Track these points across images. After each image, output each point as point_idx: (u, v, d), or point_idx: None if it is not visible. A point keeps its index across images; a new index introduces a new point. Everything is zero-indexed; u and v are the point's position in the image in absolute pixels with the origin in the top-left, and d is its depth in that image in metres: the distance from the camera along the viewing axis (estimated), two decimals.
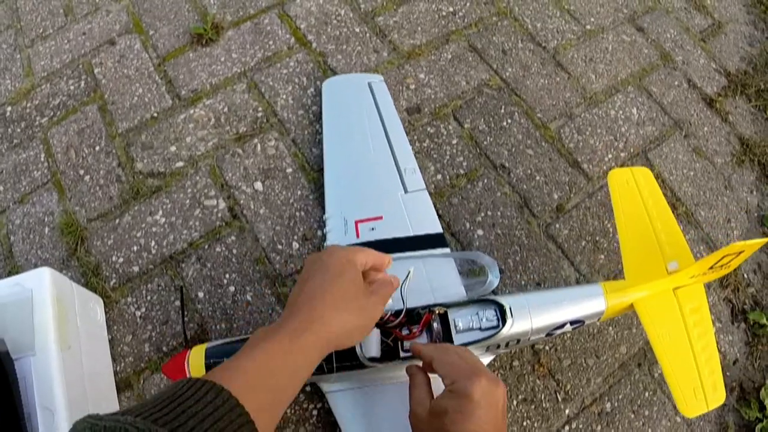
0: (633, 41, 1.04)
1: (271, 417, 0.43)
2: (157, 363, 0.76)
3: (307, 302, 0.49)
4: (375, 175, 0.82)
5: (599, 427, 0.74)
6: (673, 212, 0.86)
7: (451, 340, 0.61)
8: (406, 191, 0.80)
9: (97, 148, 0.92)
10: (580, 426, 0.74)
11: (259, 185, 0.88)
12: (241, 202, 0.86)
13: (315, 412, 0.72)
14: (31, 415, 0.59)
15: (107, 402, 0.72)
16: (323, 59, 0.99)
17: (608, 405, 0.75)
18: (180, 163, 0.90)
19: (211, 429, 0.37)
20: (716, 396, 0.61)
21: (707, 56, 1.04)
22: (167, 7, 1.06)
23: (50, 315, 0.63)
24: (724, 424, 0.76)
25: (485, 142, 0.92)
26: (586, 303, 0.64)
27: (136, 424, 0.35)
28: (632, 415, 0.75)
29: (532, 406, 0.74)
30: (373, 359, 0.59)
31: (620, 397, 0.76)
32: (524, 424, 0.73)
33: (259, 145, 0.91)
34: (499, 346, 0.63)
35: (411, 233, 0.75)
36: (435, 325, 0.59)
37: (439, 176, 0.88)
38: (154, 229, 0.85)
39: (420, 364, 0.58)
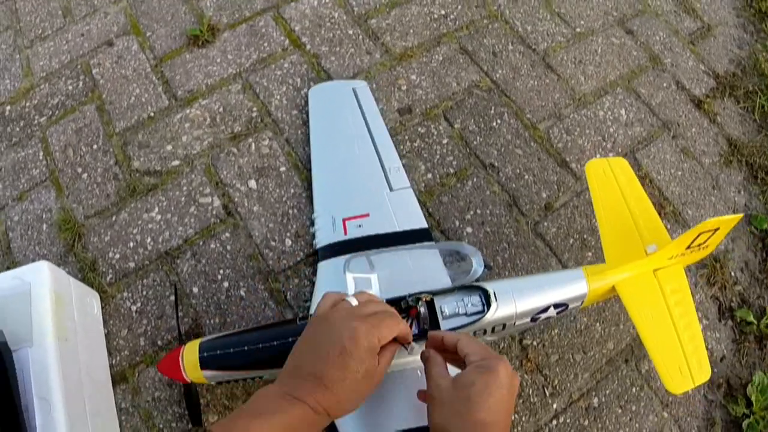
0: (622, 44, 1.06)
1: None
2: (152, 357, 0.77)
3: (323, 390, 0.49)
4: (361, 175, 0.84)
5: (587, 422, 0.75)
6: (660, 211, 0.89)
7: (438, 327, 0.62)
8: (391, 189, 0.82)
9: (95, 146, 0.93)
10: (568, 420, 0.75)
11: (253, 183, 0.89)
12: (236, 199, 0.88)
13: None
14: (28, 405, 0.60)
15: (103, 395, 0.73)
16: (317, 61, 1.01)
17: (595, 400, 0.76)
18: (176, 162, 0.91)
19: None
20: (702, 372, 0.62)
21: (696, 58, 1.05)
22: (164, 9, 1.08)
23: (48, 307, 0.64)
24: (711, 420, 0.77)
25: (475, 142, 0.93)
26: (569, 286, 0.66)
27: None
28: (619, 410, 0.76)
29: (520, 401, 0.75)
30: None
31: (607, 392, 0.77)
32: (512, 418, 0.74)
33: (253, 145, 0.93)
34: (485, 332, 0.65)
35: (397, 229, 0.78)
36: (422, 310, 0.60)
37: (430, 175, 0.90)
38: (150, 226, 0.86)
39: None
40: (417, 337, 0.60)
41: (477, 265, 0.67)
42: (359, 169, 0.85)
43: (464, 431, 0.50)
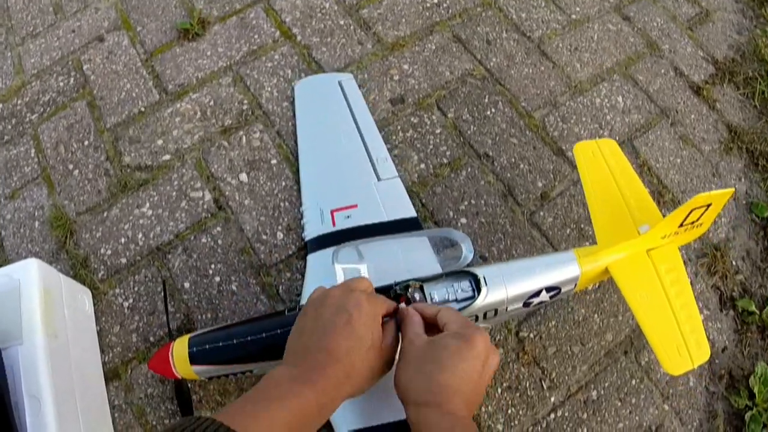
0: (619, 30, 1.04)
1: None
2: (145, 353, 0.77)
3: (334, 363, 0.48)
4: (348, 166, 0.84)
5: (585, 415, 0.74)
6: (659, 200, 0.87)
7: None
8: (379, 179, 0.82)
9: (86, 142, 0.93)
10: (566, 414, 0.73)
11: (244, 177, 0.88)
12: (227, 193, 0.87)
13: None
14: (18, 403, 0.60)
15: (95, 392, 0.73)
16: (308, 52, 1.00)
17: (594, 393, 0.75)
18: (167, 156, 0.91)
19: None
20: (700, 352, 0.61)
21: (694, 44, 1.04)
22: (155, 3, 1.07)
23: (37, 305, 0.64)
24: (713, 412, 0.75)
25: (469, 132, 0.92)
26: (560, 269, 0.64)
27: None
28: (619, 403, 0.74)
29: (517, 394, 0.74)
30: None
31: (606, 384, 0.75)
32: (509, 412, 0.73)
33: (244, 138, 0.92)
34: (477, 318, 0.64)
35: (386, 219, 0.77)
36: (417, 296, 0.59)
37: (423, 165, 0.89)
38: (141, 222, 0.85)
39: None
40: None
41: (467, 251, 0.66)
42: (346, 161, 0.84)
43: (425, 392, 0.49)
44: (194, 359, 0.64)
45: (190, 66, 0.99)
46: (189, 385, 0.72)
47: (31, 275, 0.65)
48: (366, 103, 0.92)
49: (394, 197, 0.80)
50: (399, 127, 0.92)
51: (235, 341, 0.63)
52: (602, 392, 0.75)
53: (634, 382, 0.75)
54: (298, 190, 0.86)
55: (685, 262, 0.80)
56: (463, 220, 0.84)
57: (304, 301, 0.73)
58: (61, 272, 0.72)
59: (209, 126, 0.93)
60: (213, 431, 0.38)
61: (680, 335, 0.62)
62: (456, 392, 0.48)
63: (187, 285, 0.81)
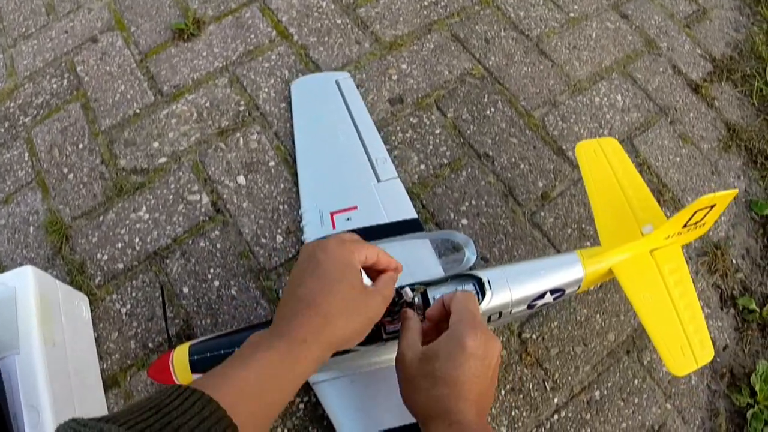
0: (617, 28, 1.04)
1: (260, 429, 0.42)
2: (144, 360, 0.76)
3: (305, 309, 0.46)
4: (347, 167, 0.83)
5: (588, 416, 0.73)
6: (659, 198, 0.87)
7: None
8: (378, 180, 0.81)
9: (81, 146, 0.92)
10: (570, 414, 0.73)
11: (242, 179, 0.87)
12: (224, 196, 0.86)
13: (302, 406, 0.72)
14: (17, 413, 0.59)
15: (94, 400, 0.72)
16: (305, 52, 0.99)
17: (597, 393, 0.75)
18: (163, 159, 0.89)
19: None
20: (704, 353, 0.61)
21: (692, 42, 1.03)
22: (149, 3, 1.06)
23: (34, 313, 0.63)
24: (715, 411, 0.75)
25: (468, 132, 0.91)
26: (564, 271, 0.64)
27: None
28: (622, 403, 0.74)
29: (521, 396, 0.74)
30: None
31: (609, 384, 0.75)
32: (512, 413, 0.73)
33: (241, 139, 0.91)
34: None
35: (386, 220, 0.76)
36: (416, 300, 0.59)
37: (423, 166, 0.88)
38: (138, 226, 0.84)
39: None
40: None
41: (470, 254, 0.66)
42: (345, 162, 0.83)
43: (426, 407, 0.48)
44: (195, 367, 0.63)
45: (185, 67, 0.98)
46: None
47: (26, 283, 0.64)
48: (364, 103, 0.91)
49: (394, 198, 0.79)
50: (398, 128, 0.91)
51: (236, 349, 0.62)
52: (605, 392, 0.75)
53: (636, 381, 0.75)
54: (297, 192, 0.85)
55: (685, 261, 0.80)
56: (464, 221, 0.84)
57: None
58: (57, 279, 0.71)
59: (206, 128, 0.92)
60: (176, 396, 0.38)
61: (684, 335, 0.62)
62: (458, 399, 0.47)
63: (185, 290, 0.80)
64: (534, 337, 0.77)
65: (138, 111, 0.94)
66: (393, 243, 0.73)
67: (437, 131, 0.91)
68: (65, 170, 0.90)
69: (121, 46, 1.01)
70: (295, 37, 1.01)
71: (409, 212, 0.78)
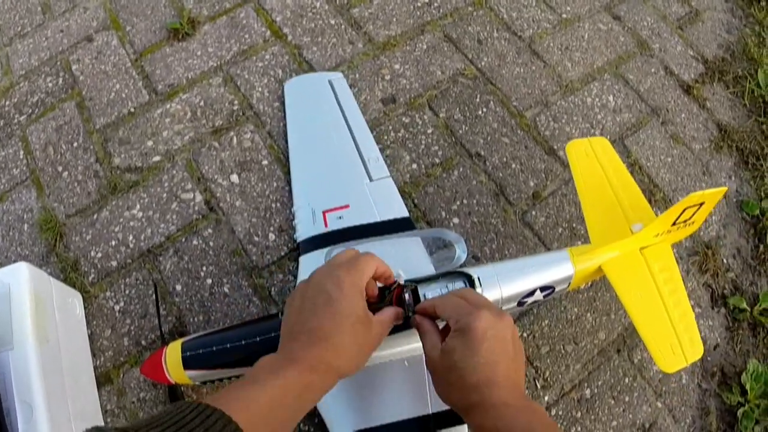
0: (609, 29, 1.04)
1: None
2: (137, 357, 0.76)
3: (318, 341, 0.48)
4: (340, 166, 0.83)
5: (579, 414, 0.74)
6: (650, 199, 0.88)
7: None
8: (371, 179, 0.81)
9: (75, 144, 0.92)
10: (560, 412, 0.74)
11: (235, 178, 0.88)
12: (218, 194, 0.86)
13: None
14: (10, 409, 0.59)
15: (87, 396, 0.72)
16: (298, 52, 0.99)
17: (588, 391, 0.75)
18: (157, 158, 0.90)
19: None
20: (694, 350, 0.62)
21: (684, 44, 1.04)
22: (144, 2, 1.06)
23: (28, 309, 0.63)
24: (705, 409, 0.76)
25: (460, 131, 0.92)
26: (554, 268, 0.64)
27: None
28: (612, 401, 0.74)
29: None
30: None
31: (600, 383, 0.75)
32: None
33: (235, 138, 0.91)
34: None
35: (378, 219, 0.77)
36: (406, 296, 0.59)
37: (415, 166, 0.89)
38: (131, 224, 0.85)
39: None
40: (402, 328, 0.59)
41: (460, 251, 0.66)
42: (338, 161, 0.84)
43: (460, 399, 0.49)
44: (188, 364, 0.63)
45: (180, 66, 0.98)
46: (182, 389, 0.72)
47: (21, 279, 0.65)
48: (357, 103, 0.92)
49: (386, 197, 0.80)
50: (390, 127, 0.92)
51: (228, 345, 0.63)
52: (596, 391, 0.75)
53: (627, 380, 0.76)
54: (290, 191, 0.85)
55: (676, 260, 0.80)
56: (456, 220, 0.84)
57: None
58: (51, 276, 0.71)
59: (199, 127, 0.92)
60: (197, 413, 0.39)
61: (674, 333, 0.62)
62: (487, 384, 0.47)
63: (178, 287, 0.80)
64: (525, 335, 0.77)
65: (132, 110, 0.94)
66: (384, 241, 0.73)
67: (429, 131, 0.92)
68: (60, 168, 0.90)
69: (117, 46, 1.01)
70: (289, 37, 1.01)
71: (400, 211, 0.78)
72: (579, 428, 0.73)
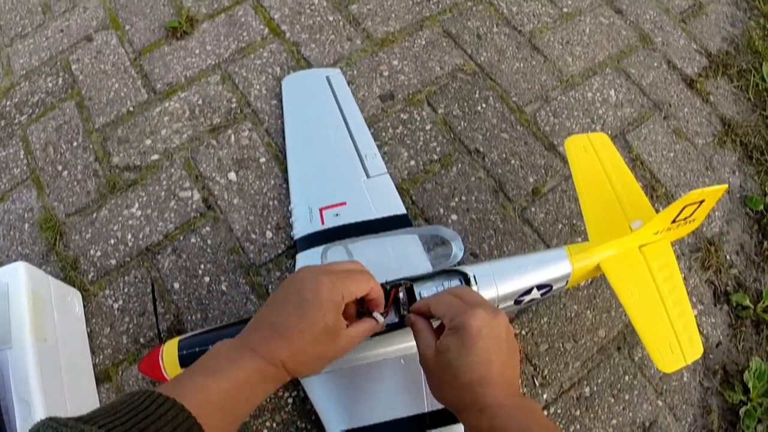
0: (611, 23, 1.03)
1: None
2: (135, 355, 0.76)
3: (279, 338, 0.48)
4: (337, 163, 0.83)
5: (578, 412, 0.73)
6: (652, 194, 0.86)
7: None
8: (368, 176, 0.81)
9: (75, 143, 0.92)
10: (559, 411, 0.73)
11: (232, 176, 0.88)
12: (216, 192, 0.86)
13: (290, 400, 0.72)
14: (8, 407, 0.60)
15: (86, 394, 0.72)
16: (297, 49, 0.99)
17: (587, 389, 0.74)
18: (155, 156, 0.90)
19: None
20: (693, 350, 0.61)
21: (688, 37, 1.03)
22: (143, 1, 1.06)
23: (26, 308, 0.64)
24: (707, 408, 0.75)
25: (459, 127, 0.91)
26: (552, 266, 0.64)
27: None
28: (612, 400, 0.74)
29: None
30: None
31: (599, 381, 0.75)
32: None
33: (233, 136, 0.91)
34: None
35: (375, 216, 0.76)
36: (401, 295, 0.59)
37: (413, 162, 0.88)
38: (130, 222, 0.85)
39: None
40: (398, 326, 0.59)
41: (457, 249, 0.65)
42: (335, 158, 0.83)
43: (454, 399, 0.49)
44: (184, 362, 0.63)
45: (178, 65, 0.98)
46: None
47: (18, 278, 0.65)
48: (355, 99, 0.91)
49: (383, 194, 0.79)
50: (389, 124, 0.91)
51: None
52: (595, 389, 0.74)
53: (627, 378, 0.75)
54: (287, 189, 0.85)
55: (678, 257, 0.79)
56: (454, 217, 0.84)
57: None
58: (51, 274, 0.72)
59: (198, 125, 0.92)
60: (151, 402, 0.39)
61: (673, 332, 0.61)
62: (481, 382, 0.47)
63: (176, 285, 0.80)
64: (524, 332, 0.77)
65: (131, 109, 0.95)
66: (381, 238, 0.73)
67: (428, 127, 0.91)
68: (60, 168, 0.90)
69: (116, 45, 1.02)
70: (287, 35, 1.01)
71: (398, 208, 0.78)
72: (578, 426, 0.72)
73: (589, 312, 0.78)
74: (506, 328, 0.50)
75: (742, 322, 0.80)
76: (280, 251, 0.81)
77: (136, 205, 0.86)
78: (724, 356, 0.78)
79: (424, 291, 0.61)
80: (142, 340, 0.77)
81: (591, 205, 0.69)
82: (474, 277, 0.61)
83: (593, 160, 0.71)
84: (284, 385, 0.54)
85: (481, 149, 0.89)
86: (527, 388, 0.74)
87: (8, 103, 0.98)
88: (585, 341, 0.76)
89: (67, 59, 1.01)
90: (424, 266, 0.71)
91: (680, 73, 0.99)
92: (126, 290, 0.80)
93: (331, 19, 1.03)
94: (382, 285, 0.62)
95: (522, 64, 0.97)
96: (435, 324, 0.55)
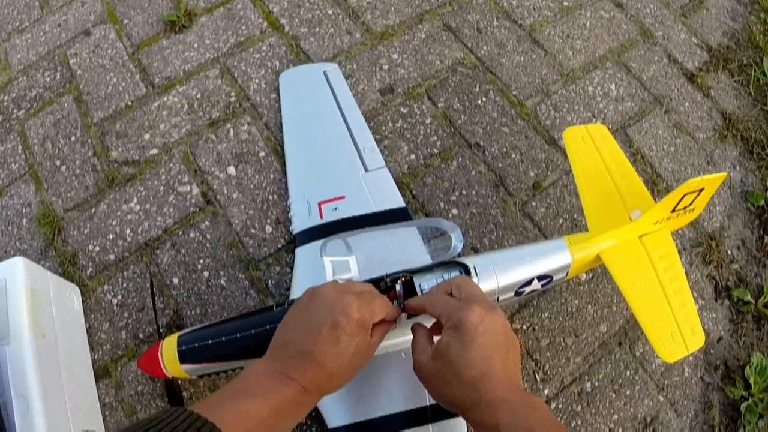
0: (612, 17, 1.03)
1: None
2: (134, 350, 0.76)
3: (314, 364, 0.48)
4: (335, 157, 0.83)
5: (579, 407, 0.73)
6: (653, 188, 0.86)
7: None
8: (366, 170, 0.81)
9: (73, 138, 0.92)
10: (560, 406, 0.73)
11: (232, 170, 0.87)
12: (215, 187, 0.86)
13: None
14: (6, 403, 0.60)
15: (85, 390, 0.72)
16: (296, 43, 0.99)
17: (588, 384, 0.74)
18: (154, 151, 0.89)
19: None
20: (695, 339, 0.61)
21: (688, 31, 1.02)
22: None
23: (24, 304, 0.63)
24: (708, 403, 0.75)
25: (459, 121, 0.91)
26: (551, 257, 0.64)
27: None
28: (613, 395, 0.74)
29: None
30: None
31: (601, 376, 0.74)
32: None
33: (231, 130, 0.91)
34: None
35: (374, 210, 0.76)
36: (397, 288, 0.59)
37: (413, 156, 0.88)
38: (129, 217, 0.84)
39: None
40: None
41: (456, 241, 0.65)
42: (333, 152, 0.83)
43: (457, 400, 0.49)
44: (184, 358, 0.63)
45: (176, 59, 0.98)
46: (179, 382, 0.71)
47: (17, 274, 0.65)
48: (355, 93, 0.91)
49: (381, 188, 0.79)
50: (388, 118, 0.91)
51: (224, 339, 0.62)
52: (596, 384, 0.74)
53: (628, 373, 0.75)
54: (287, 183, 0.85)
55: (679, 252, 0.79)
56: (455, 211, 0.83)
57: (293, 295, 0.72)
58: (49, 270, 0.71)
59: (196, 119, 0.92)
60: (190, 423, 0.38)
61: (674, 321, 0.61)
62: (482, 378, 0.47)
63: (175, 280, 0.80)
64: (524, 327, 0.76)
65: (130, 103, 0.94)
66: (380, 231, 0.72)
67: (428, 121, 0.91)
68: (58, 163, 0.90)
69: (114, 39, 1.01)
70: (286, 28, 1.00)
71: (396, 201, 0.78)
72: (579, 422, 0.72)
73: (590, 307, 0.78)
74: (503, 323, 0.50)
75: (743, 317, 0.80)
76: (279, 246, 0.81)
77: (135, 199, 0.86)
78: (725, 351, 0.78)
79: (424, 283, 0.60)
80: (141, 335, 0.77)
81: (590, 196, 0.69)
82: (474, 268, 0.61)
83: (592, 151, 0.71)
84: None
85: (482, 143, 0.89)
86: (528, 383, 0.73)
87: (6, 97, 0.97)
88: (586, 336, 0.76)
89: (65, 54, 1.00)
90: (424, 258, 0.71)
91: (681, 67, 0.98)
92: (125, 285, 0.80)
93: (330, 12, 1.02)
94: (382, 278, 0.62)
95: (522, 58, 0.97)
96: (431, 322, 0.55)
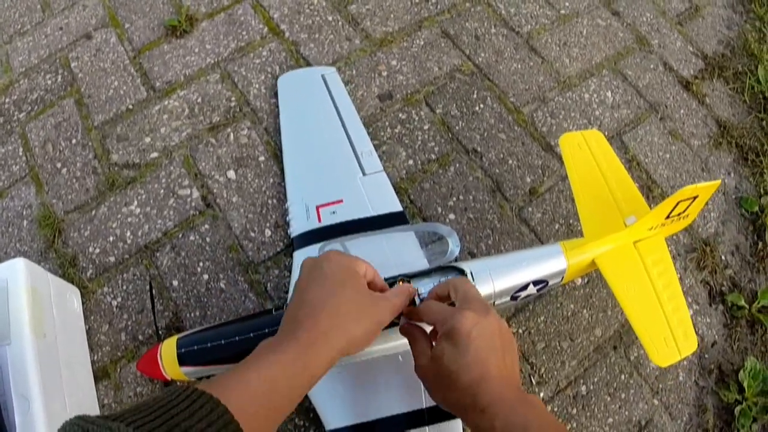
0: (608, 25, 1.04)
1: None
2: (134, 352, 0.77)
3: (313, 312, 0.47)
4: (333, 161, 0.83)
5: (575, 411, 0.74)
6: (648, 195, 0.87)
7: None
8: (364, 174, 0.81)
9: (74, 141, 0.92)
10: (555, 409, 0.73)
11: (231, 174, 0.88)
12: (215, 190, 0.87)
13: None
14: (7, 403, 0.60)
15: (84, 391, 0.72)
16: (296, 48, 0.99)
17: (583, 388, 0.75)
18: (154, 154, 0.90)
19: None
20: (688, 344, 0.61)
21: (684, 39, 1.03)
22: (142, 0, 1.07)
23: (25, 304, 0.64)
24: (702, 407, 0.75)
25: (457, 128, 0.92)
26: (547, 262, 0.64)
27: None
28: (608, 398, 0.74)
29: None
30: None
31: (596, 380, 0.75)
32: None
33: (232, 135, 0.91)
34: None
35: (372, 213, 0.76)
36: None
37: (411, 162, 0.88)
38: (129, 220, 0.85)
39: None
40: (391, 325, 0.59)
41: (453, 246, 0.66)
42: (331, 155, 0.84)
43: (456, 404, 0.49)
44: (183, 360, 0.64)
45: (177, 63, 0.99)
46: (178, 384, 0.72)
47: (18, 275, 0.65)
48: (354, 99, 0.92)
49: (379, 191, 0.79)
50: (387, 123, 0.92)
51: (223, 341, 0.63)
52: (591, 387, 0.75)
53: (623, 377, 0.75)
54: (286, 187, 0.86)
55: (674, 257, 0.80)
56: (452, 216, 0.84)
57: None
58: (49, 271, 0.72)
59: (197, 123, 0.93)
60: (185, 397, 0.38)
61: (667, 326, 0.62)
62: (480, 382, 0.47)
63: (175, 283, 0.80)
64: (520, 331, 0.77)
65: (131, 107, 0.95)
66: (378, 236, 0.73)
67: (426, 127, 0.92)
68: (59, 165, 0.91)
69: (115, 43, 1.02)
70: (287, 34, 1.01)
71: (394, 205, 0.78)
72: (574, 425, 0.72)
73: (585, 311, 0.79)
74: (498, 324, 0.50)
75: (738, 322, 0.81)
76: (278, 249, 0.82)
77: (135, 202, 0.86)
78: (720, 356, 0.79)
79: (421, 287, 0.61)
80: (140, 337, 0.77)
81: (585, 202, 0.69)
82: (471, 273, 0.61)
83: (588, 158, 0.72)
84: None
85: (479, 149, 0.90)
86: (524, 387, 0.74)
87: (7, 100, 0.98)
88: (581, 340, 0.77)
89: (66, 57, 1.01)
90: (421, 263, 0.71)
91: (676, 75, 0.99)
92: (124, 288, 0.81)
93: (330, 18, 1.03)
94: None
95: (520, 65, 0.98)
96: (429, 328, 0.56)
